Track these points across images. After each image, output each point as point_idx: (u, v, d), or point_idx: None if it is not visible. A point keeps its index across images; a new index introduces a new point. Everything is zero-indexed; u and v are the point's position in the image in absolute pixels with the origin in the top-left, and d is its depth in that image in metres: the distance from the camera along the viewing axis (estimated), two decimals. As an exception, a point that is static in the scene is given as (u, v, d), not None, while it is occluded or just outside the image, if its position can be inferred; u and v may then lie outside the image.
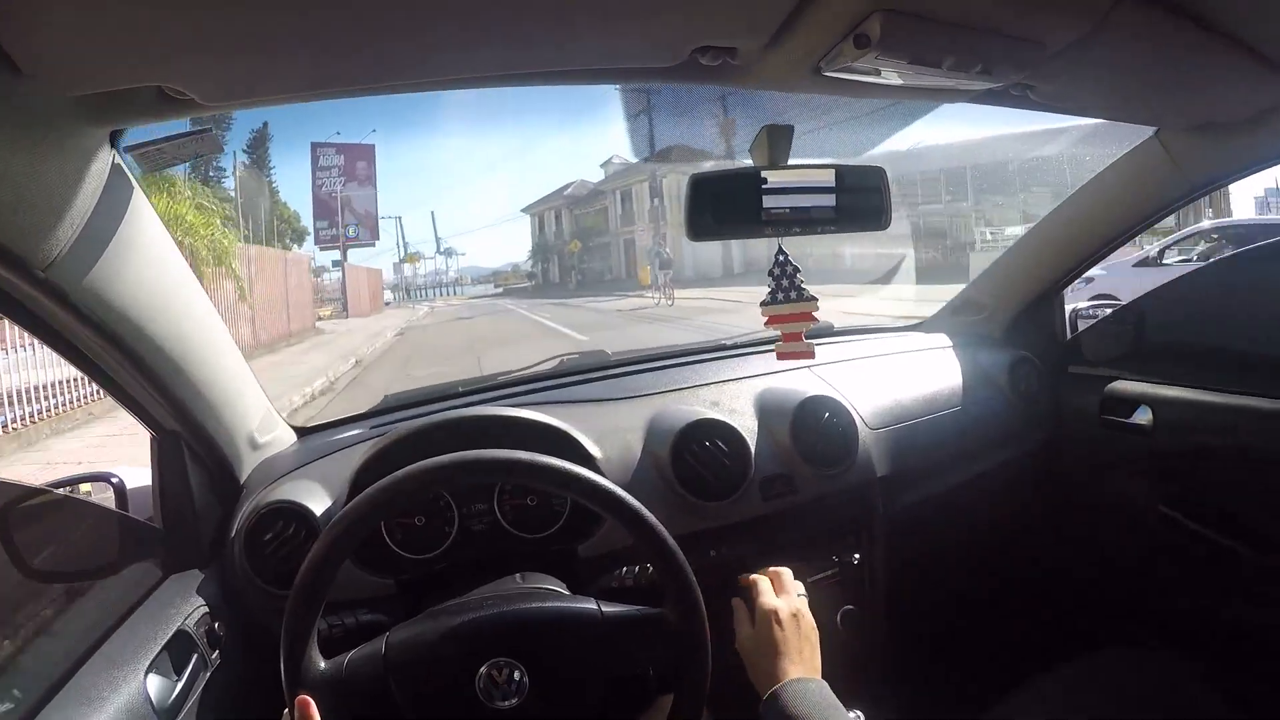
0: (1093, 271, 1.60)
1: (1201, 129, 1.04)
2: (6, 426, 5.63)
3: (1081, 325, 1.47)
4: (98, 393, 6.28)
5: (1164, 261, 6.92)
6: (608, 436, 1.04)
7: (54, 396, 6.12)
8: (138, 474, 0.96)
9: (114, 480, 0.95)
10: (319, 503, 0.93)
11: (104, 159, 0.62)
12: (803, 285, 0.82)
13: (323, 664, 0.68)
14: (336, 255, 21.88)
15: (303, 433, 1.15)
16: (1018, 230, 5.57)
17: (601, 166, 26.82)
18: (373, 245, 24.68)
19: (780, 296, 0.82)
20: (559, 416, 1.02)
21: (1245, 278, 1.25)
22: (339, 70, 0.62)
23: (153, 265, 0.75)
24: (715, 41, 0.62)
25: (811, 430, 1.11)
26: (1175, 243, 7.28)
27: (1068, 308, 1.50)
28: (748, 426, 1.10)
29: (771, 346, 0.92)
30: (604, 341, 7.17)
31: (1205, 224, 7.73)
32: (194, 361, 0.84)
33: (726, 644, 0.78)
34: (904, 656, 1.22)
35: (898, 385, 1.30)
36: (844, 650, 0.86)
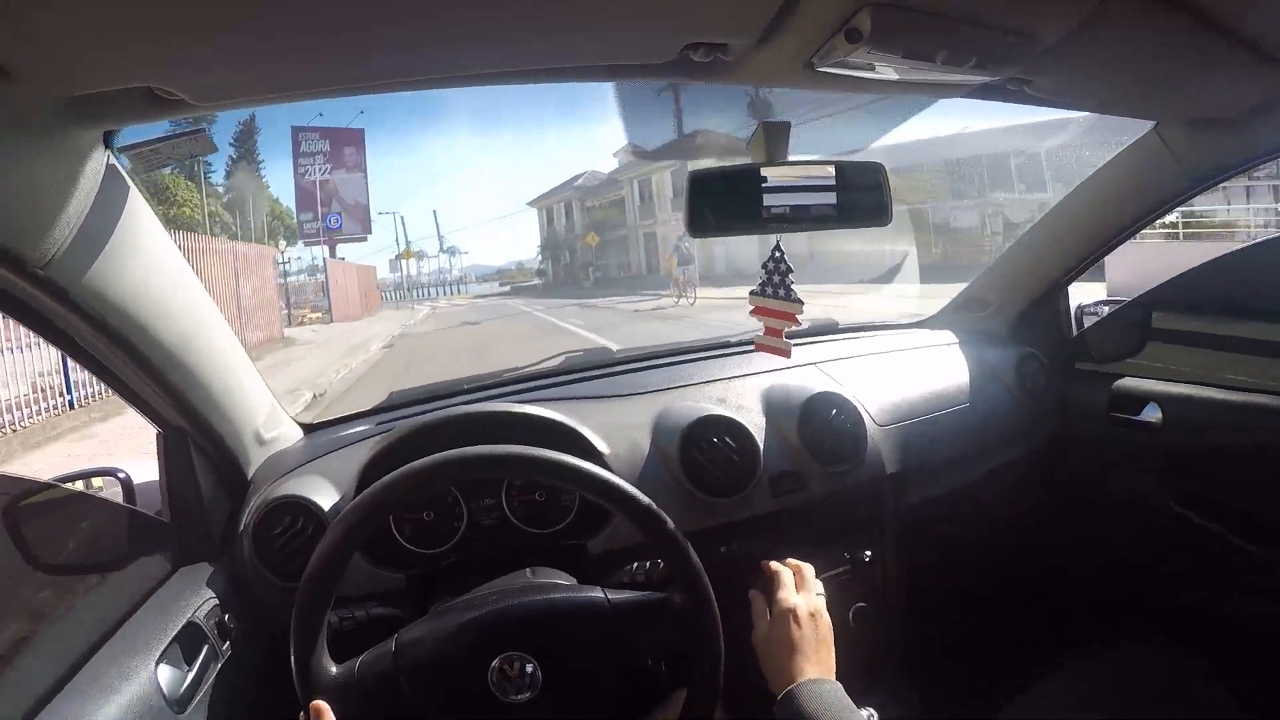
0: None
1: (1200, 123, 1.03)
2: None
3: (1087, 321, 1.46)
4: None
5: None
6: (615, 433, 1.05)
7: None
8: (145, 469, 0.98)
9: (121, 475, 0.96)
10: (326, 498, 0.94)
11: (98, 159, 0.63)
12: (792, 286, 0.83)
13: (334, 669, 0.68)
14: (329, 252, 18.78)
15: (309, 429, 1.16)
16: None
17: (614, 155, 24.64)
18: (364, 240, 21.44)
19: (769, 290, 0.83)
20: (565, 413, 1.03)
21: (1254, 272, 1.24)
22: (328, 70, 0.62)
23: (152, 263, 0.76)
24: (706, 38, 0.63)
25: (819, 427, 1.11)
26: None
27: (1073, 304, 1.49)
28: (755, 423, 1.10)
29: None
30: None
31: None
32: (196, 357, 0.84)
33: (741, 639, 0.78)
34: (916, 654, 1.22)
35: (904, 382, 1.29)
36: (856, 648, 0.85)
